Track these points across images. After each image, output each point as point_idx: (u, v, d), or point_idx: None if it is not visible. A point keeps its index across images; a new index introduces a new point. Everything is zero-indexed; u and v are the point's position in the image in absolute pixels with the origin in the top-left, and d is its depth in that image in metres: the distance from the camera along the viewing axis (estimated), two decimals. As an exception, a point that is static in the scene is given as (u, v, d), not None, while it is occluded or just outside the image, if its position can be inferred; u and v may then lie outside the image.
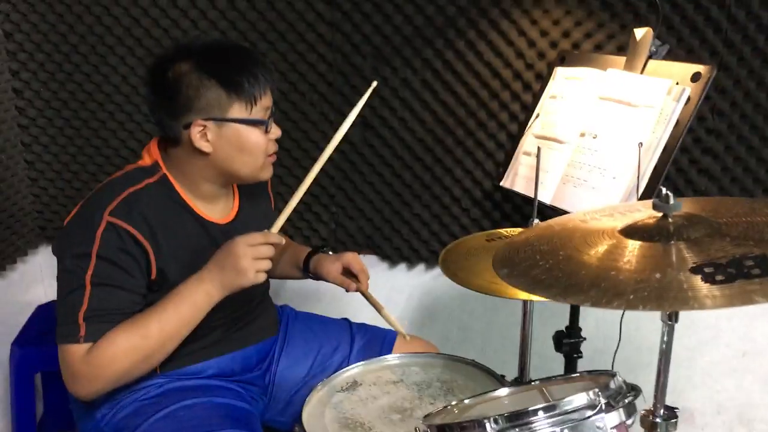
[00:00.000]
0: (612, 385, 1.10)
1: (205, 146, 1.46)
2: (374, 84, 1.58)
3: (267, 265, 1.45)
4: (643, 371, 2.20)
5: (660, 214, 1.10)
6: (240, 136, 1.47)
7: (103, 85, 2.14)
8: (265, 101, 1.49)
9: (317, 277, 1.75)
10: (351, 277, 1.71)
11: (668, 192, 1.07)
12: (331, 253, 1.78)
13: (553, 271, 1.06)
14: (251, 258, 1.42)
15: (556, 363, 1.89)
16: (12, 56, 2.13)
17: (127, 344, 1.39)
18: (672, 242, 1.04)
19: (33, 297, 2.36)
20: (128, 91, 2.14)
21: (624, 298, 0.94)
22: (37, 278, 2.39)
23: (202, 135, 1.45)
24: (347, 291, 1.71)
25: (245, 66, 1.46)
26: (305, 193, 1.53)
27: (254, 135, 1.48)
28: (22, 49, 2.12)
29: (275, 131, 1.53)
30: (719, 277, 0.93)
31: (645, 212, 1.18)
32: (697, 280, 0.94)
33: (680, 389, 2.22)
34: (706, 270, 0.95)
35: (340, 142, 1.56)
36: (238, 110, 1.45)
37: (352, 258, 1.71)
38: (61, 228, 2.29)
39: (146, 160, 1.53)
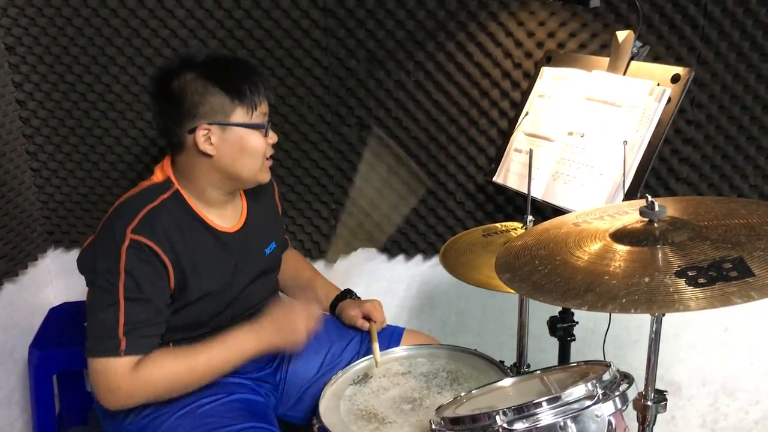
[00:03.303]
0: (607, 376, 1.20)
1: (209, 149, 1.54)
2: None
3: (313, 330, 1.64)
4: (632, 348, 2.33)
5: (647, 219, 1.21)
6: (242, 139, 1.56)
7: (106, 94, 2.20)
8: (263, 107, 1.59)
9: (338, 317, 1.90)
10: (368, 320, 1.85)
11: (653, 200, 1.18)
12: (356, 298, 1.93)
13: (552, 276, 1.16)
14: (305, 322, 1.60)
15: (550, 345, 1.99)
16: (15, 69, 2.18)
17: (173, 371, 1.51)
18: (658, 246, 1.15)
19: (44, 299, 2.44)
20: (130, 99, 2.20)
21: (617, 302, 1.04)
22: (46, 281, 2.46)
23: (206, 139, 1.54)
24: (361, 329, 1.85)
25: (246, 74, 1.57)
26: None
27: (255, 138, 1.58)
28: (25, 61, 2.17)
29: (273, 136, 1.64)
30: (701, 280, 1.04)
31: (632, 215, 1.28)
32: (682, 283, 1.05)
33: (668, 364, 2.35)
34: (690, 273, 1.06)
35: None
36: (240, 115, 1.55)
37: (372, 308, 1.85)
38: (68, 234, 2.39)
39: (159, 176, 1.61)
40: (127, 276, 1.47)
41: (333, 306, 1.90)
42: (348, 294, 1.92)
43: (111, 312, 1.47)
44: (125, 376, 1.47)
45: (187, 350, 1.54)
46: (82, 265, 1.54)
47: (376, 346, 1.74)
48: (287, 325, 1.59)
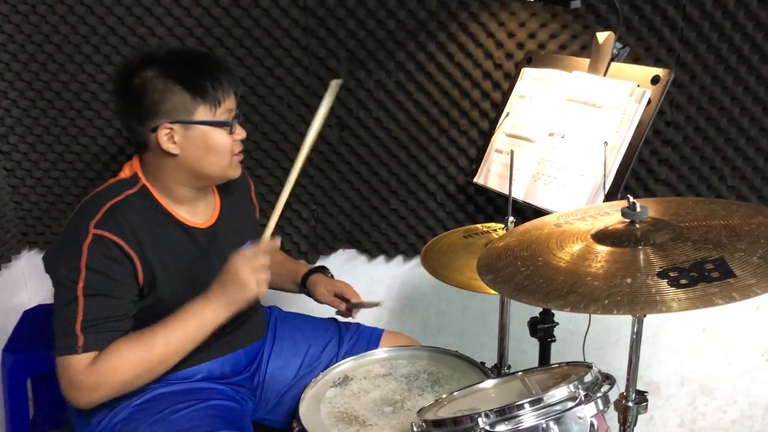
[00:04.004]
0: (589, 378, 1.20)
1: (172, 148, 1.51)
2: (338, 82, 1.64)
3: (266, 274, 1.52)
4: (611, 348, 2.34)
5: (628, 220, 1.20)
6: (206, 137, 1.53)
7: (81, 93, 2.17)
8: (229, 104, 1.55)
9: (310, 293, 1.86)
10: (343, 300, 1.83)
11: (635, 201, 1.17)
12: (329, 275, 1.89)
13: (534, 277, 1.16)
14: (249, 270, 1.49)
15: (530, 346, 1.99)
16: (-12, 67, 2.14)
17: (131, 357, 1.46)
18: (640, 247, 1.15)
19: (18, 301, 2.40)
20: (106, 97, 2.17)
21: (600, 303, 1.04)
22: (20, 283, 2.42)
23: (169, 138, 1.50)
24: (337, 312, 1.83)
25: (208, 70, 1.52)
26: (289, 197, 1.59)
27: (219, 135, 1.54)
28: (-2, 59, 2.14)
29: (240, 132, 1.59)
30: (683, 281, 1.04)
31: (614, 216, 1.28)
32: (664, 284, 1.05)
33: (646, 364, 2.36)
34: (671, 274, 1.06)
35: (315, 144, 1.63)
36: (203, 113, 1.51)
37: (344, 287, 1.83)
38: (43, 235, 2.35)
39: (126, 173, 1.59)
40: (88, 272, 1.44)
41: (304, 280, 1.88)
42: (321, 269, 1.91)
43: (70, 309, 1.45)
44: (85, 372, 1.44)
45: (141, 333, 1.50)
46: (47, 265, 1.52)
47: (364, 301, 1.78)
48: (233, 280, 1.49)
